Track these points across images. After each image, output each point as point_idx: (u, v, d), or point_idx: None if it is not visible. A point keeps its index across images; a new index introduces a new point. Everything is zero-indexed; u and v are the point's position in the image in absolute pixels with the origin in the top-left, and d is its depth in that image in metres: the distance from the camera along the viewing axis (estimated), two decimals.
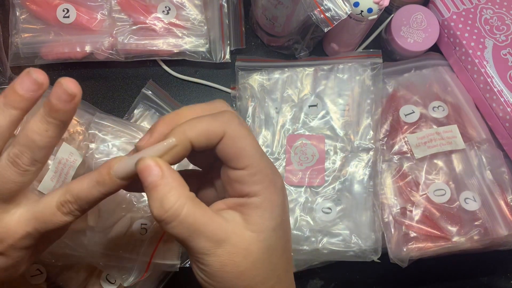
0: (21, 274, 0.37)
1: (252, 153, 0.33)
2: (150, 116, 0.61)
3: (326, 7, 0.50)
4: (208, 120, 0.32)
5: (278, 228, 0.33)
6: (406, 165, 0.58)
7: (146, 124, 0.60)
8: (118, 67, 0.64)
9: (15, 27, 0.59)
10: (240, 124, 0.33)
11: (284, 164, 0.57)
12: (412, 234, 0.55)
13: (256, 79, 0.60)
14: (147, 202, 0.53)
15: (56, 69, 0.63)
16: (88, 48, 0.60)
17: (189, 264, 0.55)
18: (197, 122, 0.32)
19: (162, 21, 0.61)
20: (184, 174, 0.34)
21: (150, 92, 0.61)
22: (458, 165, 0.57)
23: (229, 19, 0.63)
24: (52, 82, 0.33)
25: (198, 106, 0.34)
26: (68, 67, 0.64)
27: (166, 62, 0.65)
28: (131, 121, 0.60)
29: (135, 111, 0.61)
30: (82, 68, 0.64)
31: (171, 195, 0.30)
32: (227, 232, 0.32)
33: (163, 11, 0.61)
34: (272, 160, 0.57)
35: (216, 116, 0.33)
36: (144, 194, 0.54)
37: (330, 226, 0.55)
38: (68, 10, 0.58)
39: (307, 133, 0.58)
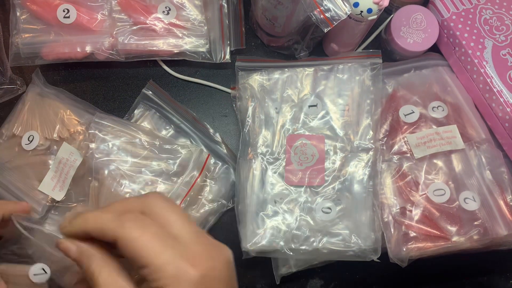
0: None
1: (148, 253, 0.33)
2: (150, 116, 0.61)
3: (326, 7, 0.50)
4: (103, 221, 0.36)
5: None
6: (405, 165, 0.58)
7: (146, 124, 0.60)
8: (119, 67, 0.64)
9: (15, 27, 0.59)
10: (135, 223, 0.35)
11: (284, 164, 0.57)
12: (412, 234, 0.55)
13: (256, 79, 0.60)
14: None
15: (57, 69, 0.64)
16: (88, 48, 0.60)
17: None
18: (94, 217, 0.36)
19: (162, 21, 0.61)
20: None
21: (151, 92, 0.61)
22: (457, 165, 0.58)
23: (229, 19, 0.63)
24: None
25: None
26: (68, 67, 0.64)
27: (166, 62, 0.65)
28: (131, 121, 0.60)
29: (136, 111, 0.61)
30: (83, 68, 0.64)
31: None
32: None
33: (163, 12, 0.61)
34: (272, 160, 0.57)
35: (113, 220, 0.35)
36: (143, 190, 0.54)
37: (330, 226, 0.55)
38: (68, 10, 0.59)
39: (307, 133, 0.58)
